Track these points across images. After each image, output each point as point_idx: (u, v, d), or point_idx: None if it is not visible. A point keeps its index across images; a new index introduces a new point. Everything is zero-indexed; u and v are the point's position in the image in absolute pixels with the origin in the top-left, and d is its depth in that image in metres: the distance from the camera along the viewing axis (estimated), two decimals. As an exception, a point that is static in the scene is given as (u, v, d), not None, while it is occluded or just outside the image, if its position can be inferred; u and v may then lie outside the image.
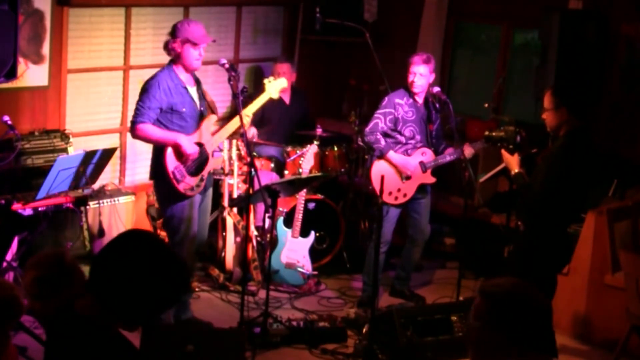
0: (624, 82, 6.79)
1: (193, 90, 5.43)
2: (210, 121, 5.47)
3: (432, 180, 6.17)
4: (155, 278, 2.47)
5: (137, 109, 5.28)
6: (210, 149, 5.45)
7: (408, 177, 6.10)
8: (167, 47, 5.35)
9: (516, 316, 2.51)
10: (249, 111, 5.56)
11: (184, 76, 5.36)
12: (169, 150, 5.27)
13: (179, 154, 5.27)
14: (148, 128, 5.24)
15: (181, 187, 5.30)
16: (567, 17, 6.49)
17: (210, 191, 5.68)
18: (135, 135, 5.33)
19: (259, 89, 7.63)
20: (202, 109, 5.46)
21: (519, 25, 7.55)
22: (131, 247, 2.50)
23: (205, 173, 5.45)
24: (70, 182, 5.73)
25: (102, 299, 2.49)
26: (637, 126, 6.72)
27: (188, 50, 5.27)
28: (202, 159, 5.40)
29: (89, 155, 5.82)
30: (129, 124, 5.51)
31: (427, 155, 6.13)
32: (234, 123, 5.47)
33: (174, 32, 5.31)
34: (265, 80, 5.78)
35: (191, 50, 5.28)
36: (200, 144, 5.38)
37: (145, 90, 5.29)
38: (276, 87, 5.74)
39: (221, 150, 6.37)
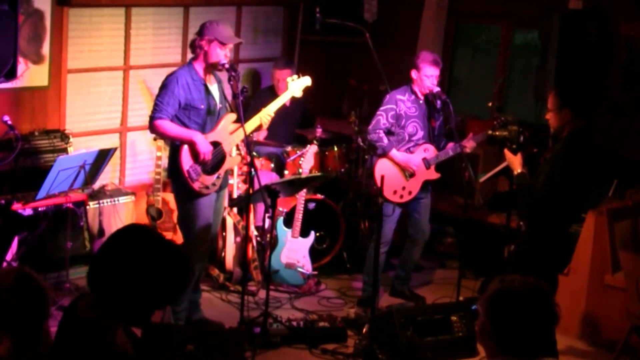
0: (624, 82, 6.79)
1: (214, 88, 5.44)
2: (229, 120, 5.47)
3: (436, 176, 6.17)
4: (154, 272, 2.44)
5: (155, 105, 5.30)
6: (227, 147, 5.45)
7: (412, 175, 6.10)
8: (192, 45, 5.38)
9: (507, 315, 2.51)
10: (271, 110, 5.57)
11: (204, 74, 5.37)
12: (185, 149, 5.27)
13: (195, 152, 5.27)
14: (165, 124, 5.25)
15: (196, 185, 5.31)
16: (567, 17, 6.49)
17: (224, 191, 5.68)
18: (154, 131, 5.36)
19: (259, 89, 7.68)
20: (221, 106, 5.47)
21: (519, 25, 7.55)
22: (128, 242, 2.48)
23: (221, 172, 5.46)
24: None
25: (101, 298, 2.47)
26: (637, 126, 6.72)
27: (214, 49, 5.29)
28: (219, 157, 5.41)
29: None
30: (147, 122, 5.49)
31: (429, 151, 6.13)
32: (253, 123, 5.48)
33: (201, 31, 5.33)
34: (289, 79, 5.82)
35: (217, 50, 5.30)
36: (217, 143, 5.38)
37: (164, 86, 5.31)
38: (299, 85, 5.77)
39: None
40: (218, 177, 5.44)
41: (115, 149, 6.21)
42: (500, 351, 2.52)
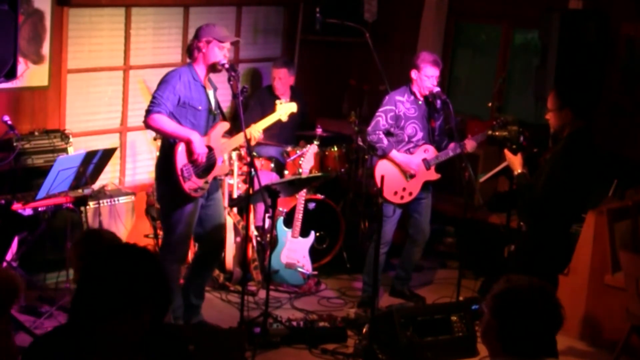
0: (624, 82, 6.79)
1: (211, 93, 5.43)
2: (222, 128, 5.45)
3: (436, 176, 6.17)
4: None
5: (154, 98, 5.24)
6: (218, 155, 5.43)
7: (412, 175, 6.10)
8: (190, 48, 5.36)
9: (515, 315, 2.51)
10: (260, 127, 5.57)
11: (204, 77, 5.37)
12: (181, 147, 5.24)
13: (190, 152, 5.26)
14: (162, 119, 5.20)
15: (187, 186, 5.28)
16: (567, 17, 6.49)
17: (218, 194, 5.65)
18: (149, 125, 5.27)
19: (258, 89, 7.69)
20: (216, 112, 5.46)
21: (519, 25, 7.55)
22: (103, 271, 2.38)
23: (210, 177, 5.43)
24: (71, 182, 5.73)
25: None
26: (637, 126, 6.72)
27: (213, 49, 5.29)
28: (210, 162, 5.39)
29: (89, 155, 5.82)
30: (142, 119, 5.45)
31: (429, 152, 6.12)
32: (241, 137, 5.47)
33: (198, 33, 5.33)
34: (277, 102, 5.88)
35: (216, 50, 5.29)
36: (210, 147, 5.37)
37: (165, 80, 5.27)
38: (286, 110, 5.82)
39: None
40: (206, 182, 5.40)
41: (113, 149, 6.19)
42: (504, 351, 2.52)
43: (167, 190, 5.39)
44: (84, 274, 2.40)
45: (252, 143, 5.57)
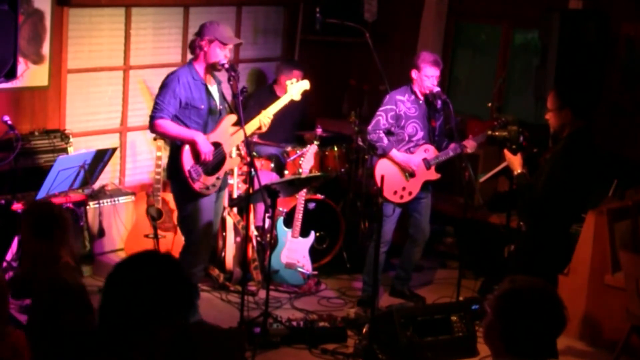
0: (624, 82, 6.79)
1: (214, 89, 5.45)
2: (229, 121, 5.46)
3: (436, 176, 6.16)
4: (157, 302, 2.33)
5: (156, 104, 5.28)
6: (228, 149, 5.46)
7: (412, 175, 6.10)
8: (192, 45, 5.39)
9: (518, 316, 2.51)
10: (270, 112, 5.58)
11: (204, 74, 5.38)
12: (186, 149, 5.27)
13: (196, 152, 5.27)
14: (166, 124, 5.24)
15: (197, 186, 5.31)
16: (567, 17, 6.49)
17: (224, 192, 5.67)
18: (154, 130, 5.34)
19: (258, 89, 7.68)
20: (221, 107, 5.47)
21: (519, 25, 7.55)
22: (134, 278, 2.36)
23: (221, 173, 5.45)
24: (72, 181, 5.73)
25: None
26: (637, 126, 6.72)
27: (214, 49, 5.30)
28: (220, 158, 5.40)
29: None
30: (146, 121, 5.49)
31: (429, 152, 6.12)
32: (252, 125, 5.48)
33: (201, 31, 5.34)
34: (288, 82, 5.85)
35: (217, 50, 5.31)
36: (218, 144, 5.38)
37: (164, 85, 5.30)
38: (298, 89, 5.80)
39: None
40: (218, 178, 5.44)
41: (115, 149, 6.20)
42: (506, 351, 2.53)
43: (179, 192, 5.43)
44: (109, 282, 2.38)
45: (264, 130, 5.59)
